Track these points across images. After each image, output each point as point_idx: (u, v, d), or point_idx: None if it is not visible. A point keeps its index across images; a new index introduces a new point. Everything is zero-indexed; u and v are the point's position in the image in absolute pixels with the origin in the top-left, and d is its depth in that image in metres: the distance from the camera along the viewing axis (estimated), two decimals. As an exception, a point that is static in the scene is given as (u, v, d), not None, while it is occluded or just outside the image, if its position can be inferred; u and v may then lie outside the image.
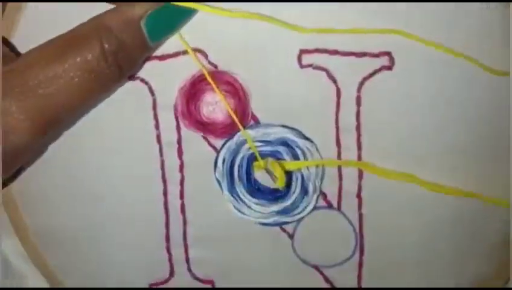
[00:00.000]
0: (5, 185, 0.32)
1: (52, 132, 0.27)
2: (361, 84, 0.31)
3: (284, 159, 0.31)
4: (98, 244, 0.33)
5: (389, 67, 0.30)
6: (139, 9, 0.26)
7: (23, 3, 0.30)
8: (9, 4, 0.29)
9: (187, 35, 0.30)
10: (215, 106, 0.31)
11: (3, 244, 0.35)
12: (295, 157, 0.31)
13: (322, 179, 0.32)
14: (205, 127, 0.31)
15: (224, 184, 0.32)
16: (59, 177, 0.32)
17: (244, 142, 0.31)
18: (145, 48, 0.28)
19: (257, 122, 0.31)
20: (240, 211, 0.32)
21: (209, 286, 0.34)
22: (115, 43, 0.26)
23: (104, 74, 0.26)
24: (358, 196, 0.32)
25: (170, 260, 0.34)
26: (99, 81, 0.26)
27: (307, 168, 0.31)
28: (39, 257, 0.34)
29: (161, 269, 0.34)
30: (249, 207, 0.32)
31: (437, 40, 0.30)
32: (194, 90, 0.31)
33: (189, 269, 0.34)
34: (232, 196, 0.32)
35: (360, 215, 0.32)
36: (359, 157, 0.32)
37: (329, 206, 0.32)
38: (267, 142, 0.31)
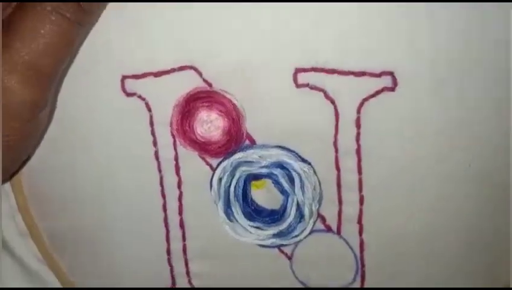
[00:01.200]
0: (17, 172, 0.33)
1: (42, 81, 0.27)
2: (361, 105, 0.28)
3: (281, 182, 0.30)
4: (103, 254, 0.34)
5: (392, 89, 0.28)
6: None
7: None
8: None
9: (182, 52, 0.29)
10: (210, 124, 0.30)
11: (21, 248, 0.37)
12: (291, 180, 0.30)
13: (319, 202, 0.30)
14: (200, 146, 0.30)
15: (220, 205, 0.31)
16: (68, 189, 0.33)
17: (239, 163, 0.30)
18: None
19: (253, 143, 0.30)
20: (236, 232, 0.31)
21: (210, 299, 0.34)
22: None
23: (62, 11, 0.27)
24: (359, 221, 0.30)
25: (172, 272, 0.34)
26: (60, 18, 0.27)
27: (302, 192, 0.30)
28: (53, 259, 0.35)
29: (164, 281, 0.34)
30: (245, 229, 0.31)
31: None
32: (188, 108, 0.30)
33: (190, 282, 0.34)
34: (228, 217, 0.31)
35: (361, 242, 0.31)
36: (360, 181, 0.30)
37: (329, 230, 0.31)
38: (264, 165, 0.30)
